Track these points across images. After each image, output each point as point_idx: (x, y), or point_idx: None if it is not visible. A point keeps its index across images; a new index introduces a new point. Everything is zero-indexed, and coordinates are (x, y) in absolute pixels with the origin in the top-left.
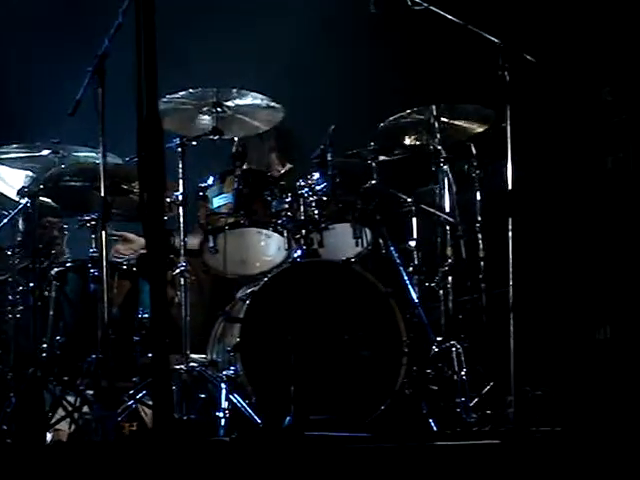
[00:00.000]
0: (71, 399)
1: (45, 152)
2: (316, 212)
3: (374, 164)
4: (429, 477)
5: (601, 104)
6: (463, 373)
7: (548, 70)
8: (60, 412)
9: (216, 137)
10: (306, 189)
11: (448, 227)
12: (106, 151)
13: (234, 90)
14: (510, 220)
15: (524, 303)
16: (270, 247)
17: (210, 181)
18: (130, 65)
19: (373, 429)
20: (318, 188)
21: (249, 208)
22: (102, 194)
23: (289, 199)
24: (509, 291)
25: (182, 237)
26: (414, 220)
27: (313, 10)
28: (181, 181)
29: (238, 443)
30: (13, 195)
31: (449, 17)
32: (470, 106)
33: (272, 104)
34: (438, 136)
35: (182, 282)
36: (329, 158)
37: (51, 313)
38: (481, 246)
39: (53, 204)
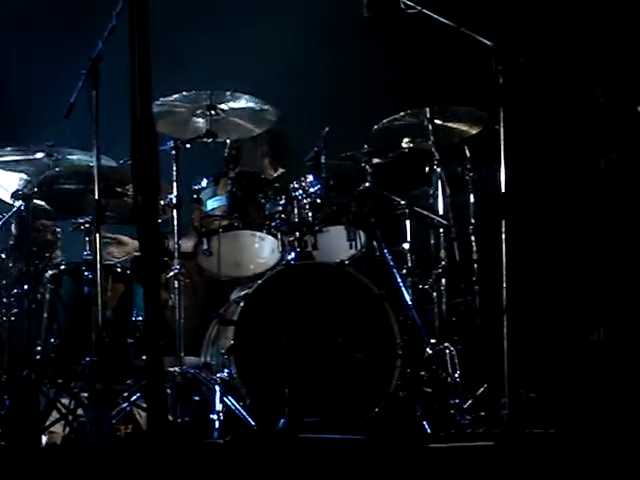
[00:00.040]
0: (65, 401)
1: (39, 155)
2: (310, 214)
3: (368, 167)
4: (423, 479)
5: (594, 106)
6: (457, 375)
7: (541, 72)
8: (54, 414)
9: (210, 140)
10: (300, 191)
11: (441, 229)
12: (100, 154)
13: (228, 93)
14: (503, 222)
15: (517, 305)
16: (264, 249)
17: (204, 184)
18: (124, 68)
19: (367, 431)
20: (312, 190)
21: (243, 210)
22: (96, 197)
23: (283, 201)
24: (502, 293)
25: (176, 239)
26: (408, 222)
27: (306, 13)
28: (175, 184)
29: (232, 445)
30: (7, 198)
31: (442, 20)
32: (463, 108)
33: (266, 107)
34: (432, 138)
35: (176, 285)
36: (323, 160)
37: (45, 316)
38: (474, 248)
39: (47, 207)
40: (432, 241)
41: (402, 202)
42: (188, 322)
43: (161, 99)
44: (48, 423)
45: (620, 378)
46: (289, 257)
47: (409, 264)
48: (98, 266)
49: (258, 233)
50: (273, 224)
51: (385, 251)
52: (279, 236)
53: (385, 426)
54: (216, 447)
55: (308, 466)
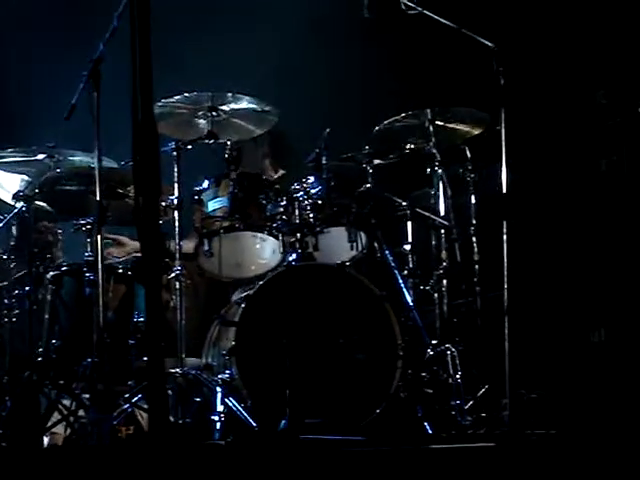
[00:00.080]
0: (67, 402)
1: (41, 156)
2: (311, 216)
3: (369, 168)
4: None
5: (595, 107)
6: (458, 376)
7: (542, 73)
8: (56, 416)
9: (211, 141)
10: (301, 193)
11: (443, 230)
12: (101, 155)
13: (229, 94)
14: (505, 223)
15: (519, 306)
16: (265, 250)
17: (205, 185)
18: (126, 69)
19: (368, 432)
20: (313, 192)
21: (244, 212)
22: (97, 198)
23: (284, 203)
24: (504, 294)
25: (177, 241)
26: (409, 224)
27: (306, 13)
28: (176, 185)
29: (233, 447)
30: (8, 199)
31: (443, 21)
32: (465, 109)
33: (267, 108)
34: (433, 139)
35: (177, 286)
36: (324, 162)
37: (47, 317)
38: (476, 249)
39: (48, 208)
40: (433, 242)
41: (403, 203)
42: (189, 323)
43: (162, 100)
44: (49, 424)
45: (621, 379)
46: (290, 258)
47: (410, 265)
48: (99, 267)
49: (259, 234)
50: (274, 225)
51: (386, 252)
52: (280, 237)
53: (386, 427)
54: (217, 448)
55: (309, 467)
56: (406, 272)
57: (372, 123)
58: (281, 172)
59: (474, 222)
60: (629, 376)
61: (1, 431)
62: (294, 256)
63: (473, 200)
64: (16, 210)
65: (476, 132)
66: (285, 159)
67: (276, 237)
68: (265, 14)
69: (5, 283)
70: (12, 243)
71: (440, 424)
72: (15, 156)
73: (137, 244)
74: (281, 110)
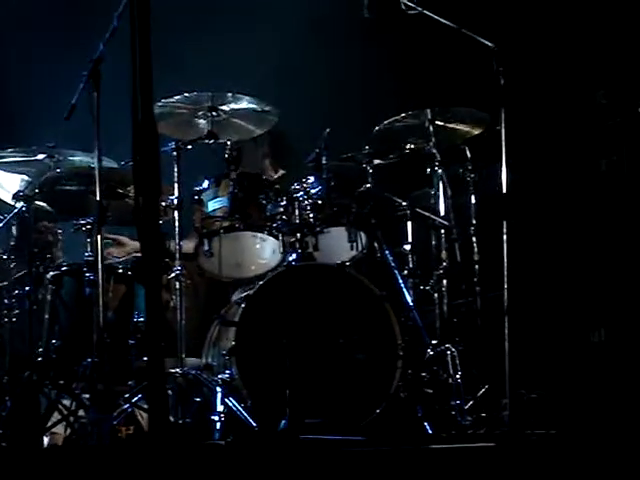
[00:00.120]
0: (67, 402)
1: (41, 156)
2: (311, 216)
3: (369, 168)
4: None
5: (595, 107)
6: (458, 376)
7: (542, 73)
8: (56, 416)
9: (211, 141)
10: (301, 193)
11: (443, 230)
12: (101, 155)
13: (229, 94)
14: (505, 223)
15: (519, 306)
16: (265, 250)
17: (205, 185)
18: (125, 69)
19: (368, 432)
20: (313, 192)
21: (244, 212)
22: (98, 198)
23: (284, 203)
24: (504, 294)
25: (177, 241)
26: (409, 224)
27: (306, 13)
28: (176, 185)
29: (233, 447)
30: (8, 199)
31: (443, 21)
32: (465, 109)
33: (267, 108)
34: (433, 139)
35: (177, 286)
36: (324, 162)
37: (47, 317)
38: (476, 249)
39: (48, 208)
40: (433, 242)
41: (403, 203)
42: (189, 323)
43: (162, 100)
44: (49, 424)
45: (621, 379)
46: (290, 258)
47: (410, 265)
48: (99, 267)
49: (259, 234)
50: (274, 225)
51: (386, 252)
52: (280, 237)
53: (386, 427)
54: (217, 448)
55: (309, 467)
56: (406, 272)
57: (372, 123)
58: (281, 172)
59: (474, 222)
60: (629, 376)
61: (1, 431)
62: (294, 256)
63: (473, 200)
64: (16, 210)
65: (476, 132)
66: (285, 159)
67: (276, 237)
68: (265, 14)
69: (5, 283)
70: (12, 243)
71: (440, 424)
72: (15, 156)
73: (137, 244)
74: (281, 110)
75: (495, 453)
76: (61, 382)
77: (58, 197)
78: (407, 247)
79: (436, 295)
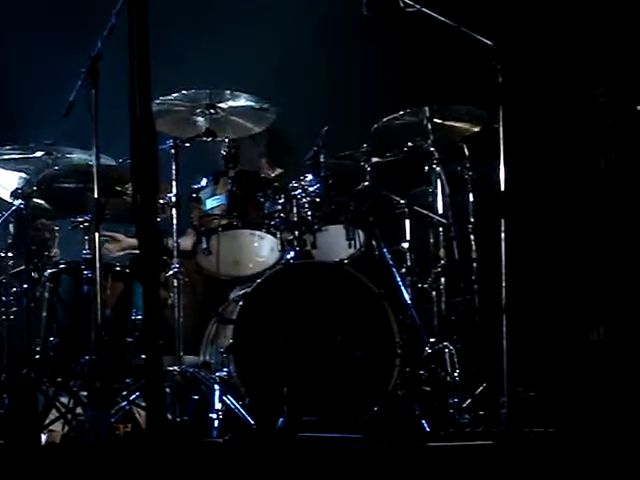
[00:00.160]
0: (64, 400)
1: (39, 153)
2: (309, 213)
3: (367, 165)
4: (422, 478)
5: (594, 105)
6: (456, 374)
7: (541, 71)
8: (53, 413)
9: (209, 139)
10: (299, 190)
11: (441, 228)
12: (99, 152)
13: (227, 92)
14: (503, 221)
15: (517, 304)
16: (263, 248)
17: (203, 183)
18: (124, 66)
19: (366, 430)
20: (311, 189)
21: (242, 209)
22: (96, 195)
23: (282, 200)
24: (502, 292)
25: (175, 238)
26: (407, 221)
27: (306, 12)
28: (174, 183)
29: (231, 444)
30: (6, 197)
31: (441, 19)
32: (463, 107)
33: (265, 105)
34: (431, 137)
35: (175, 283)
36: (322, 159)
37: (44, 314)
38: (474, 247)
39: (46, 206)
40: (431, 240)
41: (401, 201)
42: (187, 321)
43: (160, 98)
44: (47, 422)
45: (620, 377)
46: (288, 256)
47: (408, 263)
48: (97, 265)
49: (257, 232)
50: (272, 223)
51: (384, 250)
52: (278, 235)
53: (384, 425)
54: (215, 446)
55: (307, 465)
56: (404, 270)
57: (370, 121)
58: (279, 171)
59: (472, 220)
60: (628, 374)
61: None
62: (292, 254)
63: (471, 198)
64: (14, 207)
65: (474, 130)
66: (284, 157)
67: (274, 235)
68: (265, 14)
69: (3, 281)
70: (10, 241)
71: (438, 422)
72: (13, 153)
73: (132, 241)
74: (281, 109)
75: (493, 451)
76: (59, 380)
77: (56, 194)
78: (405, 245)
79: (434, 293)
